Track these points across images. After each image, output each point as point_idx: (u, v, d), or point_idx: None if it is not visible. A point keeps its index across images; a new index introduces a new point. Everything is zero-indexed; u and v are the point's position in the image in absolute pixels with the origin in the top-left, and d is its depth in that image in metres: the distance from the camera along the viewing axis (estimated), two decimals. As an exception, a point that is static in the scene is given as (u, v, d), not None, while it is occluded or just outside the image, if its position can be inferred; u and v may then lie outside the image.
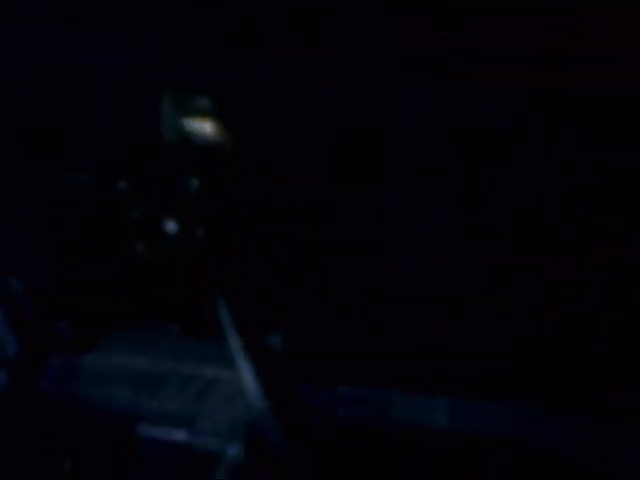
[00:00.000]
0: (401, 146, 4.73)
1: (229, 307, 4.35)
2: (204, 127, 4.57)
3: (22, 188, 4.82)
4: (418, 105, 4.67)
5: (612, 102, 4.49)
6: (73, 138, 4.77)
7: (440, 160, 4.70)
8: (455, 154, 4.67)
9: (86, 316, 4.52)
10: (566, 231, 4.62)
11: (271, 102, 4.68)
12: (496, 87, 4.60)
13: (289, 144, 4.70)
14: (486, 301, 4.59)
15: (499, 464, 4.35)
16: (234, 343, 4.27)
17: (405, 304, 4.62)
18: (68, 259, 4.58)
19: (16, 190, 4.80)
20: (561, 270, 4.61)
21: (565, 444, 4.28)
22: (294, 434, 4.22)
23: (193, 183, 4.57)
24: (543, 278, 4.62)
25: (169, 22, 4.74)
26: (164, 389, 4.33)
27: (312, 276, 4.63)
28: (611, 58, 4.47)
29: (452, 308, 4.61)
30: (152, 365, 4.37)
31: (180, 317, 4.51)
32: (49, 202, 4.68)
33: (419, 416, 4.33)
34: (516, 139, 4.62)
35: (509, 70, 4.60)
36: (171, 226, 4.54)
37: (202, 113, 4.57)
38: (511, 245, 4.64)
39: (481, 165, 4.65)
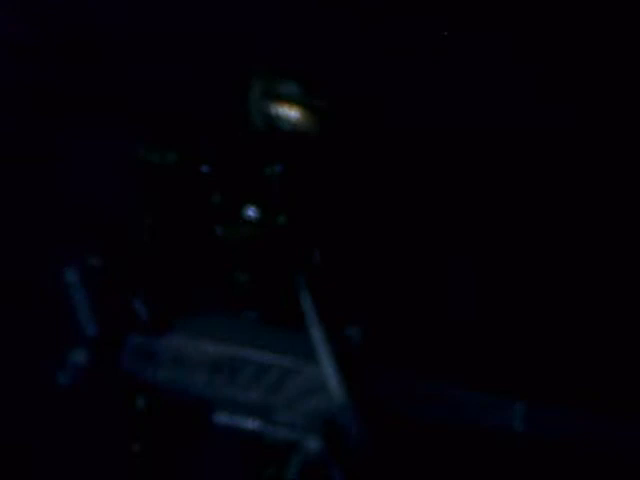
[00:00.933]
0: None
1: (310, 297, 4.30)
2: (291, 114, 4.51)
3: (104, 166, 4.81)
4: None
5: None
6: (159, 119, 4.75)
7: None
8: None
9: (165, 298, 4.50)
10: None
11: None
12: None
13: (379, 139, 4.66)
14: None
15: (574, 468, 4.30)
16: (315, 334, 4.22)
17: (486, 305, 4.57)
18: (148, 240, 4.55)
19: (95, 165, 4.80)
20: None
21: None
22: (372, 430, 4.17)
23: (277, 170, 4.51)
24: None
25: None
26: (241, 377, 4.30)
27: (393, 270, 4.58)
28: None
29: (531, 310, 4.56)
30: (229, 351, 4.34)
31: (259, 305, 4.47)
32: (130, 181, 4.66)
33: (495, 418, 4.27)
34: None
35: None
36: (252, 212, 4.49)
37: (289, 100, 4.51)
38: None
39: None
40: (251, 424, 4.25)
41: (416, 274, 4.62)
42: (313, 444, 4.12)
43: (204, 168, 4.54)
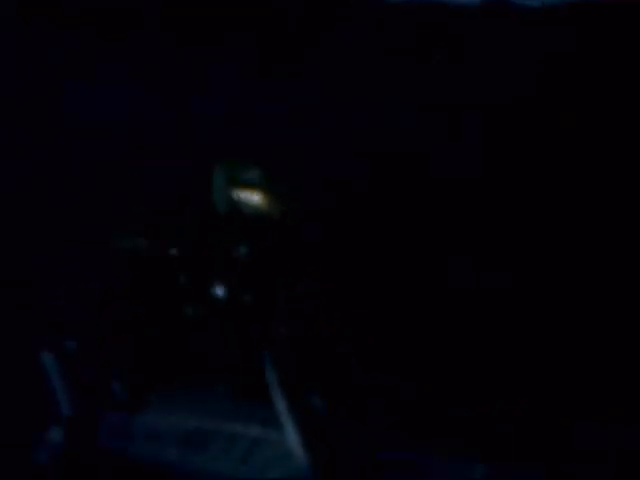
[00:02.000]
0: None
1: (275, 369, 4.51)
2: (253, 197, 4.80)
3: (78, 254, 5.07)
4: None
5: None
6: (126, 205, 5.04)
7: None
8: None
9: (139, 377, 4.71)
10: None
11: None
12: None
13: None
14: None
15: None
16: (280, 404, 4.42)
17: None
18: (119, 322, 4.79)
19: (70, 255, 5.06)
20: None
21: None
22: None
23: (242, 250, 4.78)
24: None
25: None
26: (211, 448, 4.48)
27: (357, 340, 4.80)
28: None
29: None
30: (200, 425, 4.54)
31: (228, 378, 4.68)
32: (102, 266, 4.92)
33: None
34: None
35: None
36: (219, 291, 4.74)
37: (251, 185, 4.80)
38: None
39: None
40: (223, 493, 4.42)
41: (371, 346, 4.82)
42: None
43: (172, 251, 4.81)
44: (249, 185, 4.81)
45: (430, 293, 4.97)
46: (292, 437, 4.39)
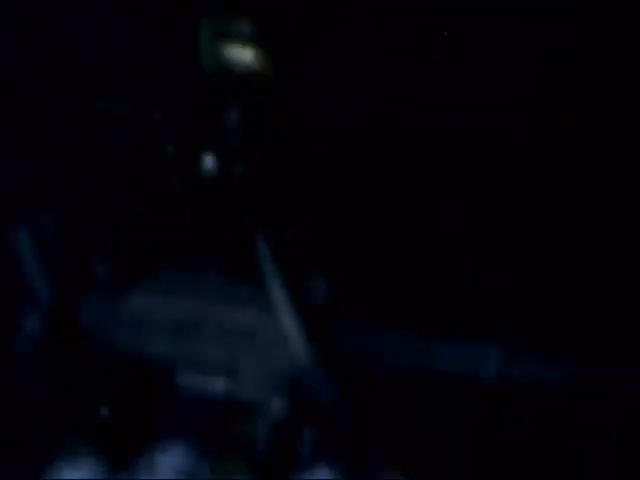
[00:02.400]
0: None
1: (270, 248, 4.14)
2: (244, 54, 4.27)
3: (55, 114, 4.56)
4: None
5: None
6: (106, 66, 4.49)
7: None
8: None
9: (124, 256, 4.32)
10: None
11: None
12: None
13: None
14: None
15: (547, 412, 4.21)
16: (275, 286, 4.07)
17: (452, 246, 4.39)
18: (105, 197, 4.36)
19: (49, 114, 4.56)
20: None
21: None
22: (339, 384, 4.05)
23: (233, 115, 4.29)
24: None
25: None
26: (204, 336, 4.15)
27: (357, 216, 4.39)
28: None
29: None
30: (191, 310, 4.18)
31: (220, 257, 4.30)
32: (81, 130, 4.43)
33: (466, 365, 4.15)
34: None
35: None
36: (209, 162, 4.29)
37: (242, 40, 4.26)
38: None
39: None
40: (216, 384, 4.12)
41: (377, 226, 4.42)
42: (281, 403, 4.01)
43: (157, 116, 4.33)
44: (240, 40, 4.27)
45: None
46: (288, 322, 4.05)
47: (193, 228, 4.31)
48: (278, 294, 4.09)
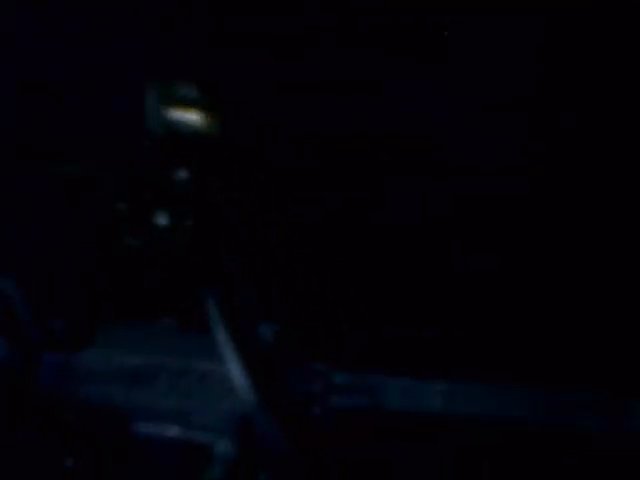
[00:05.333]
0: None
1: (217, 298, 4.31)
2: (190, 117, 4.51)
3: (10, 186, 4.80)
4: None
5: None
6: (59, 130, 4.74)
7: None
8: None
9: (81, 313, 4.50)
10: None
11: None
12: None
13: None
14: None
15: (496, 445, 4.32)
16: (220, 336, 4.24)
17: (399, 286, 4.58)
18: (58, 255, 4.55)
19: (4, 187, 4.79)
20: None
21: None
22: (287, 426, 4.18)
23: (181, 174, 4.51)
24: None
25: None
26: (157, 385, 4.31)
27: (304, 262, 4.58)
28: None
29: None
30: (146, 361, 4.35)
31: (174, 311, 4.48)
32: (35, 197, 4.65)
33: (415, 401, 4.28)
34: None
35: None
36: (160, 219, 4.49)
37: (187, 103, 4.50)
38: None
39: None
40: (170, 431, 4.26)
41: (323, 268, 4.62)
42: (229, 445, 4.14)
43: (108, 178, 4.54)
44: (185, 104, 4.51)
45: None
46: (233, 369, 4.21)
47: (145, 283, 4.49)
48: (227, 343, 4.26)
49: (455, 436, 4.29)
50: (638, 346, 4.48)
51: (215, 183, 4.54)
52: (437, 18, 5.11)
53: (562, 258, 4.75)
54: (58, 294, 4.52)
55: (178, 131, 4.49)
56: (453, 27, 5.08)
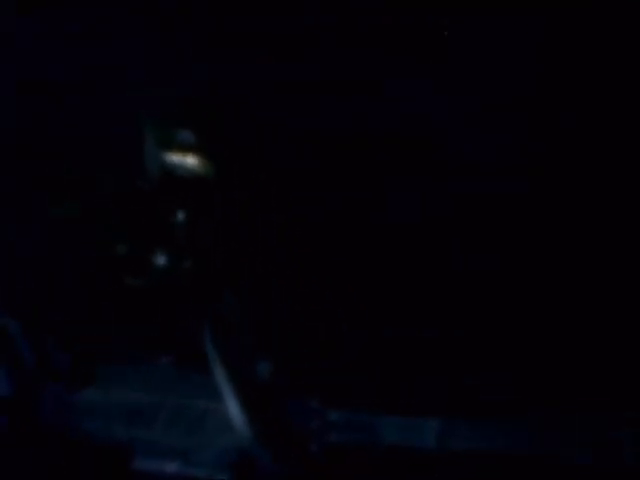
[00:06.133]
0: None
1: (215, 337, 4.46)
2: (187, 160, 4.57)
3: (11, 227, 4.92)
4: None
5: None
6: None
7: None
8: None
9: (84, 350, 4.67)
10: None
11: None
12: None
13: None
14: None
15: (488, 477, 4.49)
16: (218, 374, 4.39)
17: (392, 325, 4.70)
18: (62, 295, 4.70)
19: (6, 227, 4.90)
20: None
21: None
22: (285, 462, 4.38)
23: (179, 216, 4.60)
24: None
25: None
26: (157, 422, 4.50)
27: (300, 303, 4.71)
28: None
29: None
30: (145, 399, 4.54)
31: (174, 349, 4.65)
32: (37, 238, 4.78)
33: (409, 438, 4.44)
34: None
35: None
36: (159, 259, 4.61)
37: (184, 147, 4.56)
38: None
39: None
40: (169, 467, 4.48)
41: (319, 309, 4.73)
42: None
43: (108, 220, 4.64)
44: (183, 147, 4.56)
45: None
46: (231, 407, 4.39)
47: (146, 321, 4.65)
48: (225, 381, 4.43)
49: (449, 470, 4.46)
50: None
51: (211, 223, 4.63)
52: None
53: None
54: (60, 330, 4.69)
55: (176, 174, 4.56)
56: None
